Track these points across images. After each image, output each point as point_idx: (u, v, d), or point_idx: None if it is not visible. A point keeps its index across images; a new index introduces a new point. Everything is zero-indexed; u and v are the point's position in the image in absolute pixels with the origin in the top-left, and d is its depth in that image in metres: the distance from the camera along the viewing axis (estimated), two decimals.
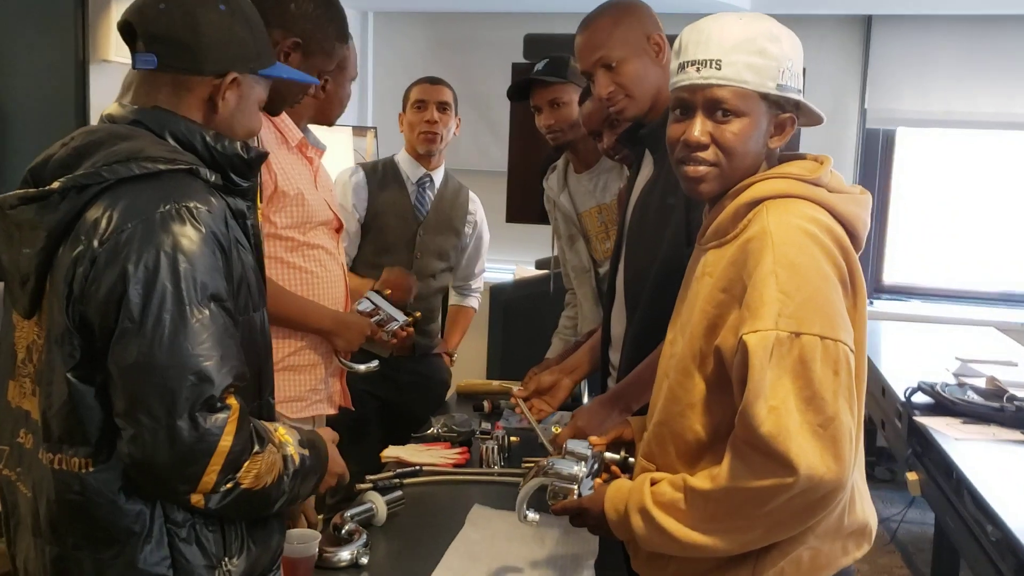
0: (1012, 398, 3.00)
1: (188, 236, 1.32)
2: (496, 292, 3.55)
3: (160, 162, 1.36)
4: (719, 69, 1.41)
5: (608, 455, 1.68)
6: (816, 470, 1.28)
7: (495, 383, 3.12)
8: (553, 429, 2.36)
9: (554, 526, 1.99)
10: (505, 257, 4.89)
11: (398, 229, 2.97)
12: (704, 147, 1.44)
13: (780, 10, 4.34)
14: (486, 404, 2.81)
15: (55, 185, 1.35)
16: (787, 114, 1.46)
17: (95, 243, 1.31)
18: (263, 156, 1.52)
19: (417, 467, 2.31)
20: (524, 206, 4.13)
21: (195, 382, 1.29)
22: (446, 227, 3.08)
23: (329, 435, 1.64)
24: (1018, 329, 4.61)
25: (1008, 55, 4.79)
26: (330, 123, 2.38)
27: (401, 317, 2.40)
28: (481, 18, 5.13)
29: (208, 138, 1.43)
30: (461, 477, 2.30)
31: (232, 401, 1.33)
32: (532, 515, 1.68)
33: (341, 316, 2.30)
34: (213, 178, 1.42)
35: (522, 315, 3.58)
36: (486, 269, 3.38)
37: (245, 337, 1.43)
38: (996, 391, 3.08)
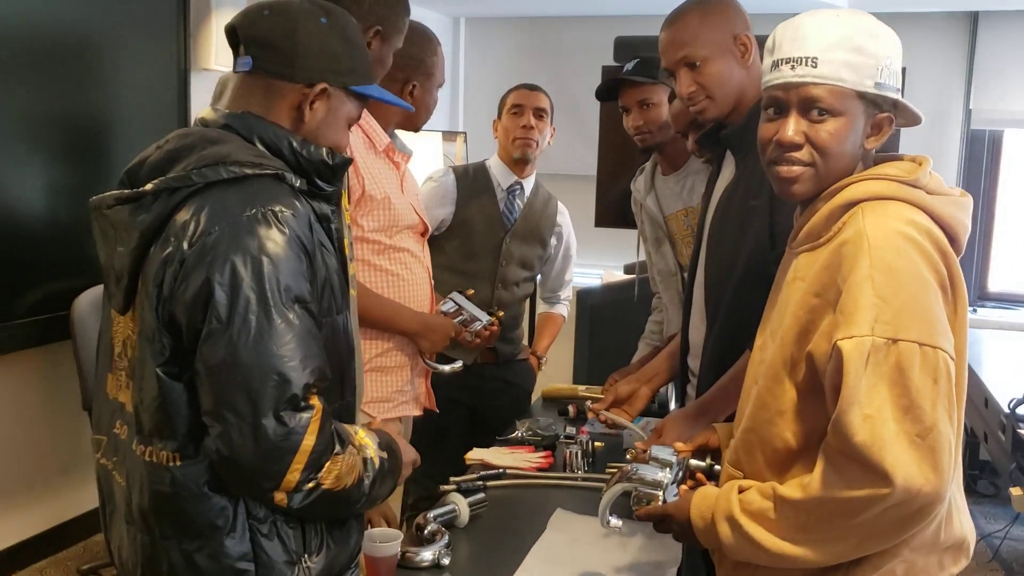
0: None
1: (273, 239, 1.35)
2: (583, 296, 3.54)
3: (247, 167, 1.39)
4: (815, 67, 1.37)
5: (693, 462, 1.66)
6: (913, 481, 1.23)
7: (581, 388, 3.10)
8: (636, 444, 2.34)
9: (637, 533, 1.97)
10: (593, 262, 4.88)
11: (485, 235, 2.98)
12: (798, 147, 1.40)
13: (880, 7, 4.21)
14: (571, 409, 2.80)
15: (148, 187, 1.40)
16: (885, 114, 1.41)
17: (184, 245, 1.35)
18: (348, 162, 1.55)
19: (501, 470, 2.32)
20: (613, 210, 4.12)
21: (278, 381, 1.32)
22: (533, 236, 3.07)
23: (394, 428, 1.67)
24: None
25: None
26: (416, 129, 2.41)
27: (484, 317, 2.42)
28: (571, 22, 5.13)
29: (295, 143, 1.46)
30: (544, 481, 2.30)
31: (315, 401, 1.36)
32: (615, 521, 1.66)
33: (427, 318, 2.33)
34: (298, 183, 1.45)
35: (609, 320, 3.56)
36: (573, 278, 3.37)
37: (328, 339, 1.46)
38: None
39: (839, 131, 1.39)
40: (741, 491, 1.41)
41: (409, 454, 1.64)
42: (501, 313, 2.57)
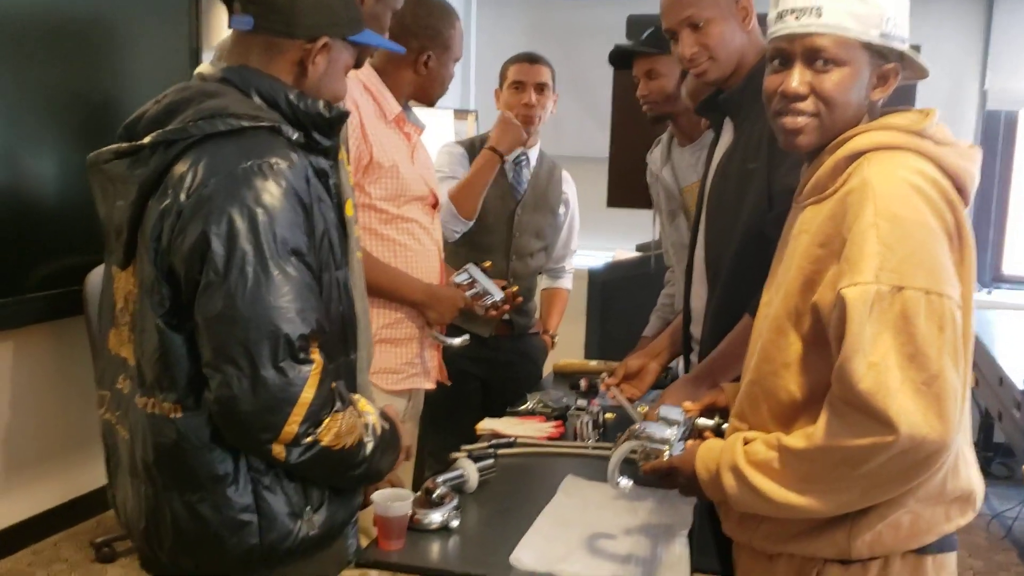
0: None
1: (269, 191, 1.35)
2: (594, 275, 3.53)
3: (244, 119, 1.40)
4: (819, 16, 1.36)
5: (701, 420, 1.65)
6: (918, 429, 1.23)
7: (592, 363, 3.10)
8: (640, 409, 2.34)
9: (647, 497, 1.97)
10: (605, 244, 4.86)
11: (497, 207, 2.97)
12: (803, 98, 1.39)
13: None
14: (583, 382, 2.80)
15: (146, 140, 1.42)
16: (891, 65, 1.40)
17: (181, 197, 1.36)
18: (344, 115, 1.55)
19: (512, 438, 2.32)
20: (626, 191, 4.09)
21: (275, 333, 1.33)
22: (543, 205, 3.07)
23: (392, 411, 1.67)
24: None
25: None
26: (431, 103, 2.39)
27: (498, 292, 2.40)
28: (584, 1, 5.11)
29: (291, 96, 1.47)
30: (555, 449, 2.29)
31: (316, 356, 1.37)
32: (624, 481, 1.66)
33: (433, 288, 2.32)
34: (296, 136, 1.46)
35: (619, 296, 3.55)
36: (579, 252, 3.36)
37: (327, 294, 1.46)
38: None
39: (843, 81, 1.38)
40: (746, 443, 1.41)
41: (404, 439, 1.64)
42: (516, 287, 2.57)
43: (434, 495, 1.89)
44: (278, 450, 1.36)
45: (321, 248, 1.44)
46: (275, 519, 1.43)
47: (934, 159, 1.35)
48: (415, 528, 1.79)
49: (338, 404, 1.40)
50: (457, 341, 2.36)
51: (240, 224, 1.33)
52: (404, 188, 2.22)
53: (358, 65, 1.65)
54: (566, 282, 3.32)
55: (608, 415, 2.49)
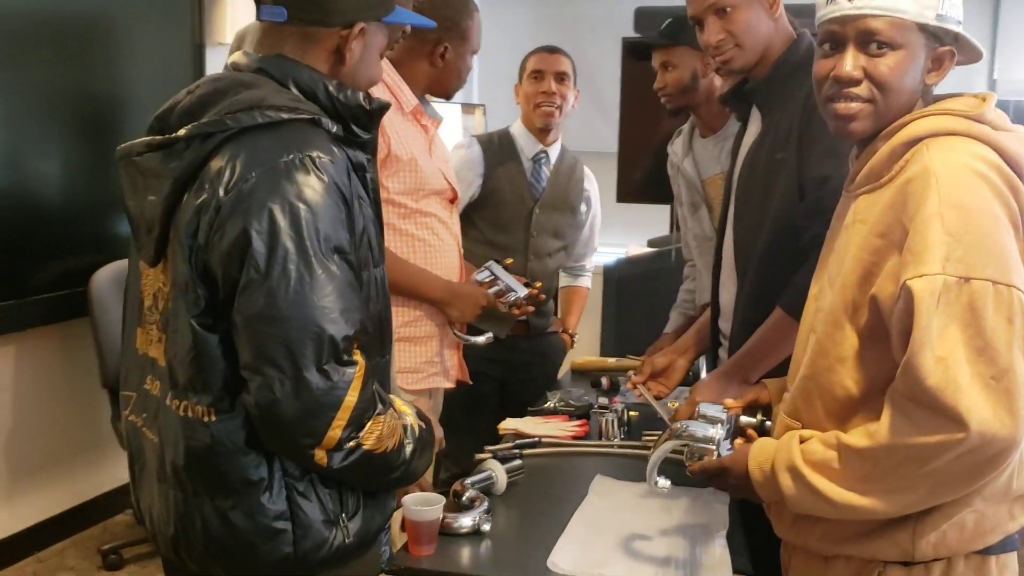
0: None
1: (312, 186, 1.30)
2: (609, 271, 3.48)
3: (283, 111, 1.34)
4: None
5: (744, 419, 1.60)
6: (989, 426, 1.17)
7: (611, 360, 3.05)
8: (670, 405, 2.29)
9: (681, 496, 1.92)
10: (615, 240, 4.80)
11: (514, 206, 2.91)
12: (856, 82, 1.34)
13: None
14: (604, 380, 2.74)
15: (181, 133, 1.35)
16: (946, 47, 1.35)
17: (220, 192, 1.30)
18: (385, 107, 1.50)
19: (536, 438, 2.26)
20: (635, 186, 4.04)
21: (319, 334, 1.27)
22: (562, 204, 3.00)
23: (424, 404, 1.63)
24: None
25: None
26: (448, 96, 2.34)
27: (521, 289, 2.34)
28: None
29: (331, 88, 1.41)
30: (581, 449, 2.24)
31: (359, 357, 1.32)
32: (663, 482, 1.61)
33: (454, 286, 2.26)
34: (335, 129, 1.40)
35: (635, 292, 3.49)
36: (597, 249, 3.29)
37: (367, 292, 1.41)
38: None
39: (899, 65, 1.32)
40: (802, 441, 1.35)
41: (437, 432, 1.59)
42: (539, 284, 2.50)
43: (463, 498, 1.84)
44: (320, 456, 1.31)
45: (361, 245, 1.39)
46: (310, 527, 1.37)
47: (994, 145, 1.29)
48: (445, 532, 1.74)
49: (379, 407, 1.35)
50: (482, 339, 2.30)
51: (282, 220, 1.27)
52: (423, 182, 2.16)
53: (391, 46, 1.59)
54: (586, 280, 3.25)
55: (632, 413, 2.44)
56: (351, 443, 1.31)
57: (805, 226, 1.77)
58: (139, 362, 1.47)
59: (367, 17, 1.45)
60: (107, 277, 3.29)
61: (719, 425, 1.52)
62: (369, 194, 1.47)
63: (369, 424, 1.33)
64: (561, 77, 2.90)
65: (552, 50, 2.95)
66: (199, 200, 1.32)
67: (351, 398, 1.29)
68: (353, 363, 1.30)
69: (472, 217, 2.86)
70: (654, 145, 4.12)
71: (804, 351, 1.44)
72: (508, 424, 2.38)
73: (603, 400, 2.56)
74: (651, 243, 4.06)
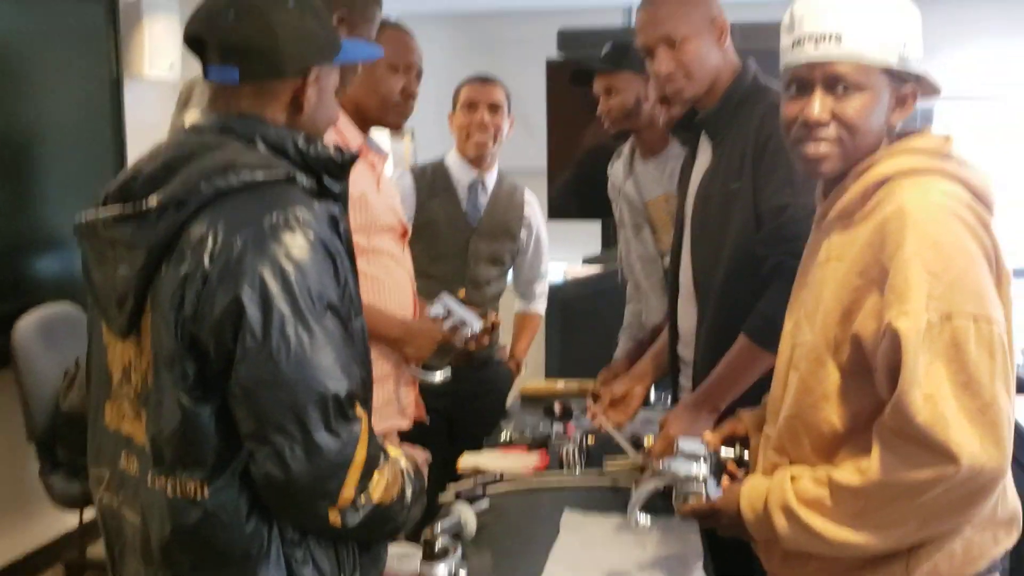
0: None
1: (299, 245, 1.27)
2: (552, 292, 3.48)
3: (258, 171, 1.31)
4: (839, 43, 1.34)
5: (724, 451, 1.61)
6: (977, 458, 1.21)
7: (560, 384, 3.04)
8: (647, 439, 2.30)
9: (652, 528, 1.90)
10: (550, 256, 4.81)
11: (449, 237, 2.88)
12: (824, 125, 1.37)
13: None
14: (557, 406, 2.73)
15: (153, 203, 1.30)
16: (908, 87, 1.39)
17: (205, 261, 1.26)
18: (355, 157, 1.47)
19: (498, 475, 2.23)
20: (566, 202, 4.09)
21: (324, 395, 1.25)
22: (501, 232, 2.98)
23: (410, 450, 1.63)
24: None
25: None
26: (392, 124, 2.28)
27: (477, 322, 2.31)
28: (511, 16, 5.07)
29: (299, 142, 1.38)
30: (545, 483, 2.22)
31: (361, 412, 1.30)
32: (644, 519, 1.60)
33: (409, 323, 2.22)
34: (309, 183, 1.37)
35: (579, 313, 3.51)
36: (546, 273, 3.27)
37: (359, 342, 1.39)
38: None
39: (865, 107, 1.36)
40: (793, 479, 1.37)
41: (419, 455, 1.59)
42: (495, 316, 2.48)
43: (436, 547, 1.80)
44: (334, 517, 1.28)
45: (345, 297, 1.36)
46: None
47: (962, 181, 1.33)
48: None
49: (383, 458, 1.33)
50: (439, 377, 2.27)
51: (274, 284, 1.24)
52: (374, 219, 2.12)
53: (345, 85, 1.55)
54: (538, 306, 3.22)
55: (590, 439, 2.43)
56: (363, 499, 1.30)
57: (766, 255, 1.80)
58: (111, 438, 1.42)
59: (319, 61, 1.42)
60: (30, 324, 3.14)
61: (701, 460, 1.53)
62: (344, 245, 1.44)
63: (376, 475, 1.31)
64: (495, 108, 2.88)
65: (485, 80, 2.93)
66: (182, 271, 1.27)
67: (360, 454, 1.28)
68: (358, 419, 1.29)
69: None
70: (582, 162, 4.19)
71: (783, 387, 1.47)
72: (467, 461, 2.35)
73: (558, 427, 2.55)
74: (586, 260, 4.08)
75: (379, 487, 1.31)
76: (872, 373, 1.31)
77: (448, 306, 2.29)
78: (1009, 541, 1.39)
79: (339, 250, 1.35)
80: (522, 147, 4.99)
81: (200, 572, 1.32)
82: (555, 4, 4.87)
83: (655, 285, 2.68)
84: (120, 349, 1.37)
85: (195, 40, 1.41)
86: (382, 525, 1.36)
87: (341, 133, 2.12)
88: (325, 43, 1.43)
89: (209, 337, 1.26)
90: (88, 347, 1.47)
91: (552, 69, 4.15)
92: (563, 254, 4.76)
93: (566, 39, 4.17)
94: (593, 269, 3.87)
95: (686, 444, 1.58)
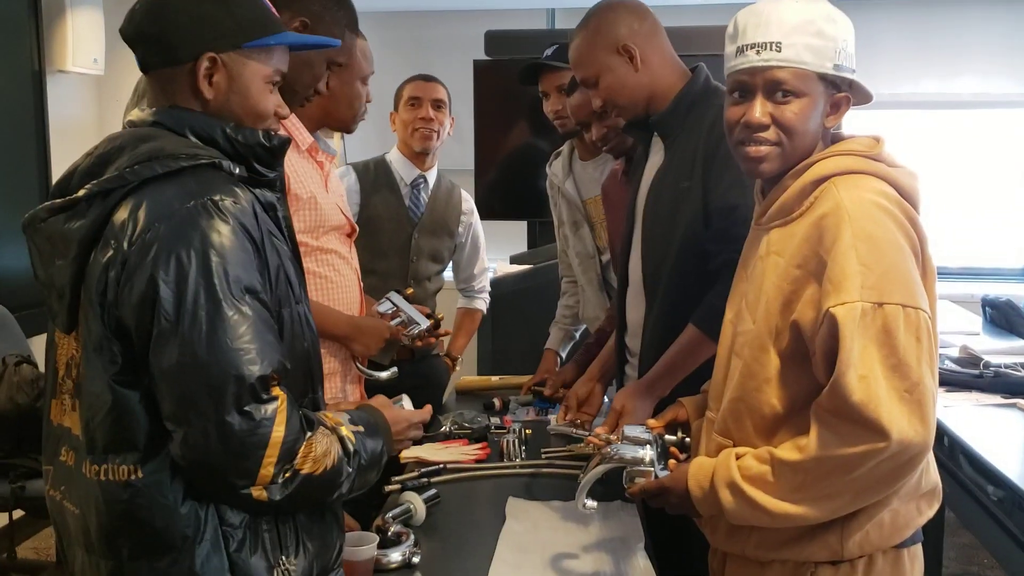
0: (988, 364, 3.11)
1: (217, 230, 1.30)
2: None
3: (182, 158, 1.34)
4: (779, 51, 1.44)
5: (668, 437, 1.71)
6: (906, 434, 1.32)
7: (495, 379, 3.12)
8: (596, 431, 2.33)
9: (595, 513, 2.00)
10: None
11: (392, 232, 2.94)
12: (765, 127, 1.47)
13: None
14: (497, 401, 2.81)
15: (80, 193, 1.33)
16: (842, 93, 1.50)
17: (124, 245, 1.29)
18: (286, 142, 1.48)
19: (441, 465, 2.30)
20: (494, 202, 4.16)
21: (236, 376, 1.27)
22: (440, 229, 3.05)
23: (380, 401, 1.63)
24: (968, 301, 4.78)
25: (951, 34, 4.97)
26: (345, 127, 2.32)
27: (423, 320, 2.37)
28: (439, 17, 5.10)
29: (228, 130, 1.40)
30: (487, 472, 2.30)
31: (278, 391, 1.32)
32: (591, 503, 1.69)
33: (357, 320, 2.27)
34: (237, 170, 1.40)
35: (511, 309, 3.59)
36: (487, 268, 3.34)
37: (288, 330, 1.41)
38: (971, 359, 3.18)
39: (803, 111, 1.46)
40: (737, 457, 1.47)
41: (410, 417, 1.62)
42: (442, 315, 2.54)
43: (389, 533, 1.86)
44: (258, 493, 1.30)
45: (278, 284, 1.39)
46: (250, 574, 1.36)
47: (891, 181, 1.46)
48: (377, 569, 1.75)
49: (308, 432, 1.35)
50: (385, 374, 2.31)
51: (189, 266, 1.27)
52: (323, 219, 2.16)
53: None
54: (480, 303, 3.29)
55: (527, 431, 2.52)
56: (287, 474, 1.31)
57: (716, 251, 1.91)
58: (55, 433, 1.43)
59: (217, 47, 1.39)
60: None
61: (648, 446, 1.62)
62: (283, 231, 1.47)
63: (301, 450, 1.32)
64: (438, 104, 2.97)
65: (428, 79, 3.01)
66: (106, 256, 1.30)
67: (278, 433, 1.29)
68: (273, 398, 1.30)
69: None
70: (510, 162, 4.27)
71: (725, 372, 1.57)
72: (409, 452, 2.40)
73: (495, 420, 2.64)
74: (514, 260, 4.17)
75: (307, 459, 1.32)
76: (809, 359, 1.42)
77: (396, 303, 2.34)
78: (931, 511, 1.52)
79: (264, 236, 1.36)
80: (448, 147, 5.06)
81: (139, 557, 1.33)
82: (480, 6, 4.94)
83: (592, 280, 2.79)
84: (65, 344, 1.38)
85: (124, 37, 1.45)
86: (320, 492, 1.38)
87: (290, 132, 2.16)
88: (227, 28, 1.40)
89: (130, 319, 1.28)
90: (46, 347, 1.48)
91: (479, 70, 4.22)
92: (491, 254, 4.83)
93: (493, 41, 4.24)
94: (520, 268, 3.96)
95: (631, 430, 1.68)
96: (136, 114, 1.44)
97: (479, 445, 2.45)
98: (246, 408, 1.27)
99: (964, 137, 5.20)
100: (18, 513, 3.06)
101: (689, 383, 1.94)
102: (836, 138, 1.54)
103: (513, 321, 3.58)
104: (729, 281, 1.65)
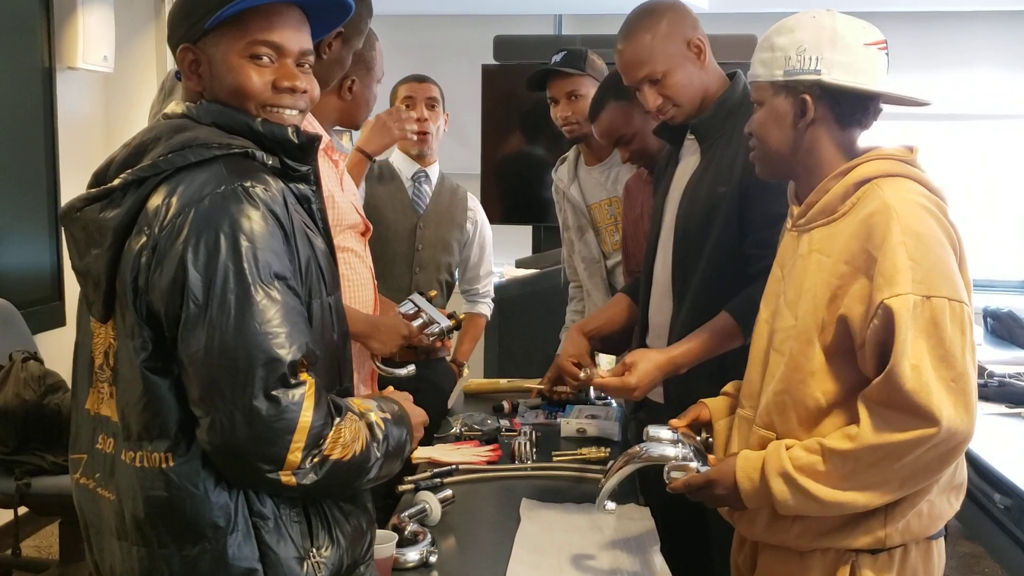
0: (992, 374, 3.14)
1: (247, 215, 1.30)
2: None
3: (215, 147, 1.34)
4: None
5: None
6: (953, 422, 1.38)
7: (503, 382, 3.12)
8: (597, 379, 2.14)
9: (605, 513, 2.00)
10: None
11: (397, 223, 2.95)
12: (749, 136, 1.65)
13: (732, 8, 4.45)
14: (506, 404, 2.82)
15: (116, 182, 1.34)
16: (803, 95, 1.55)
17: (156, 230, 1.29)
18: (315, 139, 1.48)
19: (453, 466, 2.30)
20: (500, 207, 4.17)
21: (265, 360, 1.26)
22: (446, 220, 3.05)
23: (401, 395, 1.62)
24: None
25: (953, 46, 5.02)
26: (356, 126, 2.35)
27: (444, 320, 2.37)
28: (448, 21, 5.12)
29: (254, 126, 1.40)
30: (499, 474, 2.30)
31: (306, 376, 1.31)
32: (610, 505, 1.70)
33: (374, 318, 2.27)
34: (271, 161, 1.40)
35: (518, 313, 3.60)
36: (492, 272, 3.33)
37: (319, 320, 1.41)
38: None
39: (760, 119, 1.61)
40: (787, 448, 1.51)
41: (418, 416, 1.60)
42: (463, 316, 2.55)
43: (406, 532, 1.86)
44: (287, 479, 1.29)
45: (307, 276, 1.39)
46: (280, 566, 1.35)
47: (925, 184, 1.53)
48: (395, 568, 1.76)
49: (336, 417, 1.34)
50: (403, 372, 2.32)
51: (218, 250, 1.27)
52: (340, 217, 2.17)
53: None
54: (484, 308, 3.27)
55: (537, 434, 2.52)
56: (315, 459, 1.30)
57: (758, 255, 1.92)
58: (90, 423, 1.43)
59: (185, 36, 1.41)
60: None
61: (680, 444, 1.64)
62: (318, 223, 1.47)
63: (330, 435, 1.31)
64: (432, 103, 2.99)
65: (421, 79, 3.04)
66: (139, 244, 1.31)
67: (305, 418, 1.28)
68: (301, 383, 1.29)
69: None
70: (515, 167, 4.28)
71: (762, 369, 1.61)
72: (421, 453, 2.41)
73: (505, 423, 2.64)
74: (519, 264, 4.18)
75: (336, 444, 1.32)
76: (852, 352, 1.48)
77: (418, 304, 2.34)
78: (958, 504, 1.58)
79: (295, 227, 1.37)
80: (453, 151, 5.07)
81: (172, 545, 1.33)
82: (488, 11, 4.96)
83: (598, 285, 2.80)
84: (103, 333, 1.39)
85: None
86: (349, 478, 1.37)
87: (307, 129, 2.16)
88: (189, 15, 1.40)
89: (160, 304, 1.28)
90: (76, 337, 1.48)
91: (488, 74, 4.24)
92: (496, 258, 4.84)
93: (502, 45, 4.26)
94: (526, 272, 3.97)
95: (656, 430, 1.68)
96: (172, 107, 1.46)
97: (491, 447, 2.46)
98: (273, 393, 1.26)
99: (965, 149, 5.23)
100: (22, 510, 3.04)
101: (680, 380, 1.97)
102: (849, 141, 1.60)
103: (519, 325, 3.59)
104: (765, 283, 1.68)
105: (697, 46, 2.05)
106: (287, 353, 1.28)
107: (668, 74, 2.03)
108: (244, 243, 1.28)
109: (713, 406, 1.77)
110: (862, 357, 1.47)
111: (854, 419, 1.46)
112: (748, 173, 1.95)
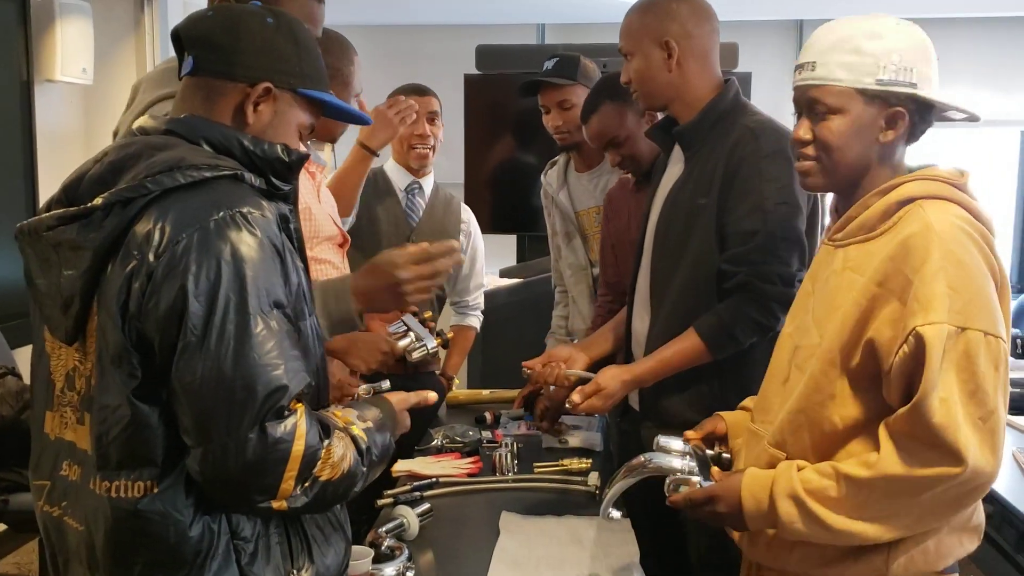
0: None
1: (246, 243, 1.28)
2: None
3: (204, 169, 1.32)
4: (813, 70, 1.47)
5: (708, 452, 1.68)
6: (978, 462, 1.31)
7: (485, 392, 3.10)
8: (573, 398, 2.13)
9: (585, 526, 2.00)
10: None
11: (390, 236, 2.93)
12: (805, 144, 1.50)
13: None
14: (488, 415, 2.80)
15: (97, 202, 1.30)
16: (897, 108, 1.46)
17: (150, 257, 1.26)
18: (304, 158, 1.47)
19: (433, 479, 2.28)
20: (483, 215, 4.14)
21: (264, 393, 1.25)
22: (439, 232, 3.02)
23: (397, 397, 1.61)
24: None
25: (949, 50, 5.03)
26: (333, 140, 2.34)
27: (431, 340, 2.35)
28: (430, 31, 5.12)
29: (246, 142, 1.39)
30: (480, 486, 2.28)
31: (296, 405, 1.30)
32: (616, 514, 1.67)
33: (352, 334, 2.24)
34: (258, 182, 1.39)
35: (501, 323, 3.58)
36: (483, 285, 3.30)
37: (306, 342, 1.39)
38: None
39: (840, 127, 1.47)
40: (799, 469, 1.45)
41: (408, 399, 1.61)
42: (450, 334, 2.52)
43: (383, 547, 1.84)
44: (279, 505, 1.29)
45: (297, 297, 1.37)
46: None
47: (972, 211, 1.45)
48: None
49: (325, 439, 1.33)
50: (385, 386, 2.30)
51: (218, 279, 1.25)
52: (317, 229, 2.16)
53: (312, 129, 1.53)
54: (473, 320, 3.24)
55: (519, 445, 2.51)
56: (306, 483, 1.29)
57: (732, 272, 1.91)
58: (52, 448, 1.40)
59: (277, 80, 1.42)
60: None
61: (687, 457, 1.60)
62: (295, 244, 1.46)
63: (321, 459, 1.31)
64: (432, 117, 2.96)
65: (422, 91, 2.99)
66: (128, 267, 1.27)
67: (298, 447, 1.27)
68: (292, 412, 1.28)
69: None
70: (499, 176, 4.27)
71: (779, 384, 1.56)
72: (401, 466, 2.39)
73: (487, 434, 2.62)
74: (503, 273, 4.16)
75: (326, 466, 1.31)
76: (876, 379, 1.41)
77: (407, 324, 2.32)
78: (972, 547, 1.50)
79: (287, 249, 1.36)
80: (438, 160, 5.05)
81: (151, 574, 1.31)
82: (470, 21, 4.96)
83: (583, 291, 2.79)
84: (64, 355, 1.36)
85: (176, 38, 1.45)
86: (338, 493, 1.36)
87: None
88: (294, 69, 1.43)
89: (154, 333, 1.26)
90: (33, 356, 1.45)
91: (470, 84, 4.23)
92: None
93: (484, 55, 4.25)
94: (510, 282, 3.95)
95: (666, 441, 1.64)
96: (147, 121, 1.43)
97: (471, 459, 2.44)
98: (267, 424, 1.25)
99: (946, 157, 5.24)
100: (1, 527, 3.00)
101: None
102: (900, 156, 1.53)
103: (503, 335, 3.57)
104: (741, 300, 1.67)
105: (669, 49, 2.02)
106: (287, 384, 1.26)
107: (632, 56, 2.06)
108: (247, 272, 1.26)
109: (731, 420, 1.72)
110: (887, 384, 1.39)
111: (871, 448, 1.40)
112: (725, 186, 1.94)
